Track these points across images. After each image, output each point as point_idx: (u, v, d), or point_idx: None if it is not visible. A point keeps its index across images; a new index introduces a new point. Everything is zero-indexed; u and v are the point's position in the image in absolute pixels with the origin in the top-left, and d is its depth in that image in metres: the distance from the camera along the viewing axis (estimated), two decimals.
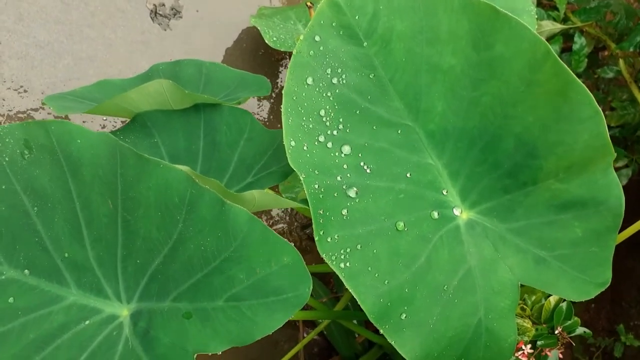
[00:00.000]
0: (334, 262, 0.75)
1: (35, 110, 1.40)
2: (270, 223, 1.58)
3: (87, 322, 0.72)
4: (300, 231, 1.62)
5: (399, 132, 0.81)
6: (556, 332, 0.99)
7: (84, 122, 1.41)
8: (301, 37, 0.76)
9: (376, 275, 0.76)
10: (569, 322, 1.01)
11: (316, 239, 0.74)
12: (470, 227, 0.83)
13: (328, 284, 1.54)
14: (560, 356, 1.03)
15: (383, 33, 0.78)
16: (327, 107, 0.78)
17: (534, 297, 1.06)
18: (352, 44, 0.78)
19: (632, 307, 1.58)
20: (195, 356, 0.68)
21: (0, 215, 0.73)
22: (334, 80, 0.78)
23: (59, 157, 0.73)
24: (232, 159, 0.99)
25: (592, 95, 0.75)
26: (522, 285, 0.84)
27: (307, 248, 1.59)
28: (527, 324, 1.00)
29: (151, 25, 1.63)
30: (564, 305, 1.00)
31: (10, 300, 0.72)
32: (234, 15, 1.76)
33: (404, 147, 0.82)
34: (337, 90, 0.78)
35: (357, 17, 0.78)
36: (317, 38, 0.77)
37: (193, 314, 0.69)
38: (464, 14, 0.78)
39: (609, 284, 0.84)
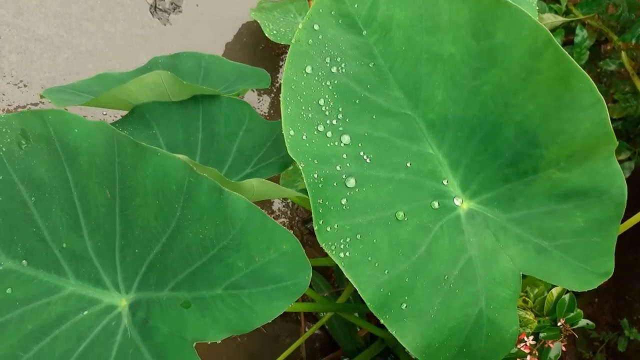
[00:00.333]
0: (334, 252, 0.74)
1: (35, 104, 1.40)
2: (272, 217, 1.58)
3: (85, 312, 0.72)
4: (302, 225, 1.61)
5: (399, 121, 0.81)
6: (559, 324, 0.99)
7: (84, 116, 1.41)
8: (300, 26, 0.76)
9: (376, 264, 0.75)
10: (572, 314, 1.00)
11: (315, 228, 0.74)
12: (470, 217, 0.83)
13: (329, 278, 1.53)
14: (563, 349, 1.02)
15: (382, 21, 0.78)
16: (327, 96, 0.77)
17: (536, 290, 1.06)
18: (352, 33, 0.77)
19: (636, 301, 1.57)
20: (194, 345, 0.67)
21: None
22: (333, 69, 0.77)
23: (56, 147, 0.73)
24: (230, 150, 0.98)
25: (593, 82, 0.75)
26: (524, 276, 0.83)
27: (309, 242, 1.58)
28: (530, 315, 1.00)
29: (151, 19, 1.62)
30: (566, 297, 1.00)
31: (8, 290, 0.72)
32: (234, 9, 1.75)
33: (403, 136, 0.81)
34: (336, 79, 0.77)
35: (356, 6, 0.77)
36: (316, 27, 0.77)
37: (192, 302, 0.69)
38: (465, 2, 0.77)
39: (611, 275, 0.83)
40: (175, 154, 0.71)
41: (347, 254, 0.75)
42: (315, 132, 0.77)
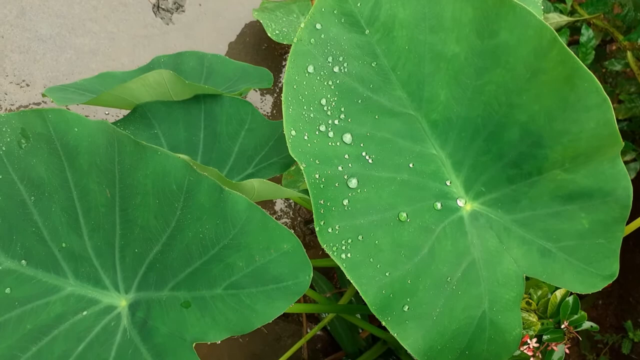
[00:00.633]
0: (335, 253, 0.74)
1: (37, 104, 1.40)
2: (273, 217, 1.57)
3: (84, 312, 0.72)
4: (304, 226, 1.61)
5: (402, 121, 0.80)
6: (562, 326, 0.98)
7: (86, 116, 1.41)
8: (302, 25, 0.75)
9: (378, 266, 0.75)
10: (576, 316, 0.99)
11: (317, 229, 0.73)
12: (474, 218, 0.82)
13: (331, 278, 1.53)
14: (567, 351, 1.01)
15: (385, 20, 0.77)
16: (328, 96, 0.77)
17: (539, 292, 1.05)
18: (354, 32, 0.77)
19: None
20: (193, 345, 0.67)
21: None
22: (335, 69, 0.77)
23: (56, 146, 0.72)
24: (232, 150, 0.98)
25: (599, 82, 0.74)
26: (527, 278, 0.82)
27: (311, 243, 1.58)
28: (533, 318, 0.99)
29: (154, 19, 1.62)
30: (570, 299, 0.99)
31: (7, 290, 0.71)
32: (237, 9, 1.75)
33: (406, 136, 0.80)
34: (338, 79, 0.77)
35: (358, 5, 0.76)
36: (318, 26, 0.76)
37: (192, 302, 0.68)
38: (469, 0, 0.77)
39: (616, 277, 0.82)
40: (176, 153, 0.70)
41: (349, 255, 0.74)
42: (317, 132, 0.76)
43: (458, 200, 0.82)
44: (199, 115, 1.00)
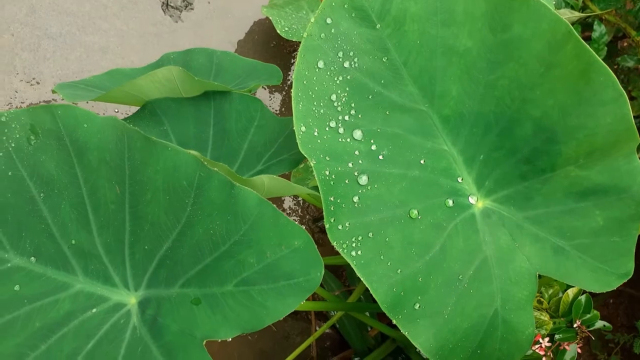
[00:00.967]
0: (345, 251, 0.73)
1: (47, 102, 1.40)
2: None
3: (94, 310, 0.71)
4: (313, 224, 1.60)
5: (413, 117, 0.79)
6: (575, 325, 0.97)
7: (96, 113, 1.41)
8: (312, 20, 0.74)
9: (389, 264, 0.74)
10: (588, 315, 0.98)
11: (327, 226, 0.73)
12: (486, 216, 0.81)
13: (340, 276, 1.52)
14: (579, 351, 1.00)
15: (396, 15, 0.76)
16: (339, 91, 0.76)
17: (551, 290, 1.04)
18: (365, 26, 0.76)
19: None
20: (204, 343, 0.66)
21: (6, 202, 0.72)
22: (346, 64, 0.76)
23: (66, 142, 0.72)
24: (242, 147, 0.97)
25: (615, 77, 0.72)
26: (540, 277, 0.81)
27: (320, 241, 1.57)
28: (545, 317, 0.98)
29: (163, 17, 1.62)
30: (582, 298, 0.98)
31: (16, 288, 0.71)
32: (246, 7, 1.74)
33: (417, 132, 0.79)
34: (348, 74, 0.76)
35: None
36: (328, 20, 0.75)
37: (202, 299, 0.68)
38: None
39: (631, 275, 0.81)
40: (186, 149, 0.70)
41: (359, 252, 0.73)
42: (327, 128, 0.75)
43: (470, 197, 0.81)
44: (209, 112, 0.99)
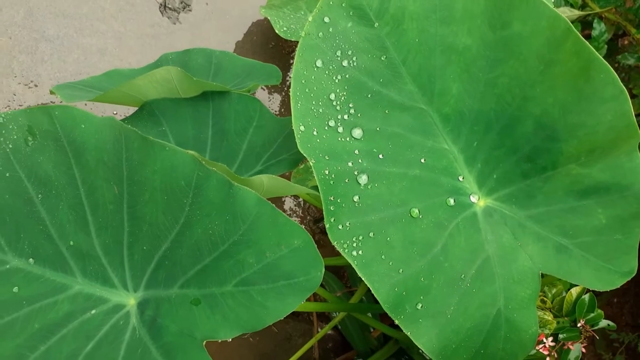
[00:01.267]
0: (346, 250, 0.72)
1: (45, 104, 1.40)
2: None
3: (93, 311, 0.71)
4: (313, 225, 1.59)
5: (413, 116, 0.78)
6: (579, 325, 0.96)
7: None
8: (310, 19, 0.74)
9: (390, 263, 0.73)
10: (592, 314, 0.97)
11: (327, 226, 0.72)
12: (487, 214, 0.80)
13: (342, 277, 1.51)
14: (583, 350, 0.99)
15: (395, 13, 0.76)
16: (337, 90, 0.75)
17: (554, 290, 1.03)
18: (363, 25, 0.75)
19: None
20: (204, 343, 0.65)
21: (4, 203, 0.72)
22: (344, 63, 0.75)
23: (63, 143, 0.72)
24: (241, 147, 0.97)
25: (615, 74, 0.72)
26: (543, 276, 0.80)
27: (321, 242, 1.56)
28: (548, 316, 0.97)
29: (161, 18, 1.62)
30: (586, 297, 0.97)
31: (15, 289, 0.70)
32: (244, 7, 1.74)
33: (417, 131, 0.79)
34: (347, 73, 0.75)
35: None
36: (326, 19, 0.75)
37: (201, 300, 0.67)
38: None
39: (634, 273, 0.80)
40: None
41: (360, 252, 0.73)
42: (326, 128, 0.75)
43: (471, 196, 0.80)
44: (207, 112, 0.99)
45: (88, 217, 0.72)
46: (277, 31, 1.49)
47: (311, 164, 0.73)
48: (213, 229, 0.68)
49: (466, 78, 0.78)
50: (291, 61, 1.77)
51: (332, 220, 0.72)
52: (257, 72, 1.11)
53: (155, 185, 0.69)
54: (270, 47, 1.75)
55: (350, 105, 0.76)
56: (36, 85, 1.40)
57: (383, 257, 0.74)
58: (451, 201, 0.79)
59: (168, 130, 0.98)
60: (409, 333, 0.74)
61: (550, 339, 0.94)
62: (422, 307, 0.74)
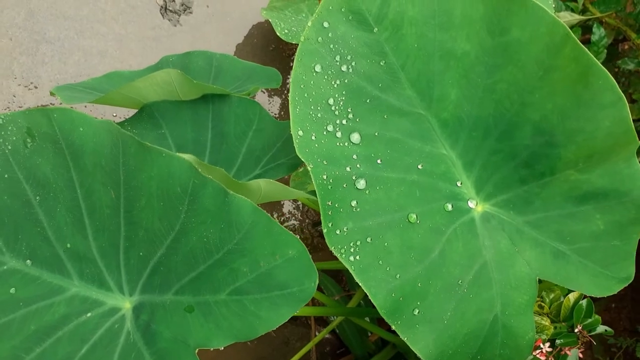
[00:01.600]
0: (343, 256, 0.72)
1: (45, 106, 1.40)
2: (281, 220, 1.56)
3: (89, 314, 0.71)
4: (312, 228, 1.59)
5: (411, 121, 0.78)
6: (576, 330, 0.96)
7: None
8: (309, 24, 0.74)
9: (387, 269, 0.73)
10: (590, 320, 0.97)
11: (324, 231, 0.72)
12: (485, 220, 0.80)
13: (340, 281, 1.51)
14: (581, 355, 0.99)
15: (394, 18, 0.76)
16: (336, 95, 0.75)
17: (552, 295, 1.03)
18: (362, 30, 0.75)
19: None
20: (196, 351, 0.65)
21: (2, 205, 0.72)
22: (343, 68, 0.75)
23: (62, 146, 0.72)
24: (240, 151, 0.97)
25: (614, 80, 0.72)
26: (540, 281, 0.80)
27: (319, 245, 1.56)
28: (546, 321, 0.97)
29: (161, 21, 1.62)
30: (584, 302, 0.97)
31: (12, 291, 0.71)
32: (245, 10, 1.74)
33: (416, 136, 0.79)
34: (346, 78, 0.75)
35: (367, 2, 0.75)
36: (325, 24, 0.75)
37: (195, 307, 0.67)
38: None
39: (632, 280, 0.80)
40: (181, 154, 0.69)
41: (358, 257, 0.73)
42: (325, 132, 0.75)
43: (469, 202, 0.80)
44: (207, 115, 0.99)
45: (85, 220, 0.72)
46: (278, 33, 1.49)
47: (309, 168, 0.73)
48: (208, 236, 0.68)
49: (465, 84, 0.78)
50: (291, 64, 1.77)
51: (329, 225, 0.72)
52: (257, 75, 1.11)
53: (152, 191, 0.69)
54: (271, 50, 1.75)
55: (349, 110, 0.76)
56: (36, 87, 1.40)
57: (380, 262, 0.74)
58: (449, 206, 0.79)
59: (167, 132, 0.98)
60: (405, 338, 0.74)
61: (548, 344, 0.94)
62: (419, 312, 0.74)
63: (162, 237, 0.70)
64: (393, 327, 0.73)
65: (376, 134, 0.77)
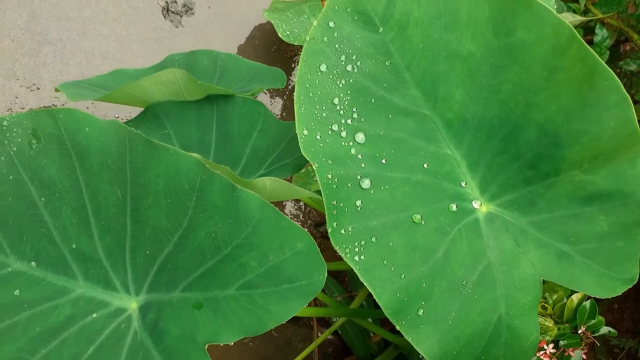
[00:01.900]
0: (348, 255, 0.72)
1: (48, 107, 1.40)
2: None
3: (94, 315, 0.71)
4: (314, 229, 1.59)
5: (416, 121, 0.78)
6: (579, 331, 0.96)
7: None
8: (315, 23, 0.74)
9: (392, 268, 0.73)
10: (593, 321, 0.97)
11: (329, 230, 0.72)
12: (490, 220, 0.80)
13: (342, 282, 1.51)
14: (584, 357, 0.99)
15: (400, 18, 0.76)
16: (341, 95, 0.75)
17: (555, 296, 1.03)
18: (368, 30, 0.76)
19: None
20: (206, 347, 0.65)
21: (7, 206, 0.72)
22: (349, 68, 0.75)
23: (67, 146, 0.72)
24: (244, 151, 0.97)
25: (619, 80, 0.72)
26: (544, 282, 0.80)
27: (321, 246, 1.56)
28: (549, 322, 0.97)
29: (163, 22, 1.62)
30: (587, 303, 0.97)
31: (17, 292, 0.70)
32: (246, 11, 1.74)
33: (420, 136, 0.79)
34: (351, 78, 0.76)
35: (372, 2, 0.75)
36: (331, 24, 0.75)
37: (204, 303, 0.67)
38: None
39: (636, 281, 0.80)
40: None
41: (362, 257, 0.73)
42: (330, 132, 0.75)
43: (473, 202, 0.81)
44: (212, 116, 0.99)
45: (91, 220, 0.72)
46: (280, 35, 1.49)
47: (314, 168, 0.73)
48: (216, 232, 0.68)
49: (470, 84, 0.78)
50: (293, 65, 1.77)
51: (334, 224, 0.72)
52: (262, 75, 1.11)
53: (159, 189, 0.69)
54: (273, 51, 1.75)
55: (354, 110, 0.76)
56: (38, 88, 1.40)
57: (385, 262, 0.74)
58: (453, 207, 0.79)
59: (172, 133, 0.98)
60: (410, 339, 0.74)
61: (551, 345, 0.94)
62: (423, 312, 0.74)
63: (169, 235, 0.70)
64: (398, 327, 0.73)
65: (381, 133, 0.77)
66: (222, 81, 1.10)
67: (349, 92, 0.76)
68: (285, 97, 1.71)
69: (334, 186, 0.73)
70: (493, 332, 0.78)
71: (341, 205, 0.73)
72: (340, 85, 0.75)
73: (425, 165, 0.79)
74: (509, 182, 0.81)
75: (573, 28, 0.72)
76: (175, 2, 1.65)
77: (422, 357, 0.76)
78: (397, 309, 0.73)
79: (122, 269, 0.72)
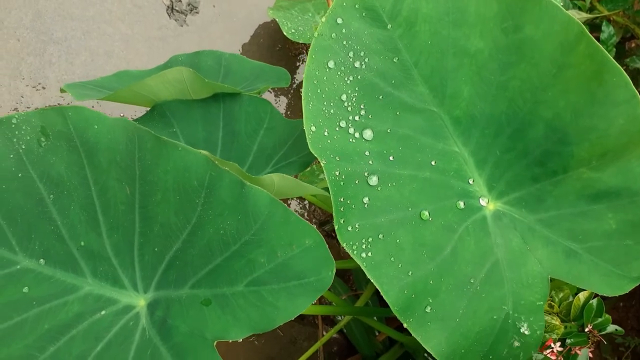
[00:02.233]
0: (355, 252, 0.72)
1: (53, 106, 1.40)
2: None
3: (103, 312, 0.71)
4: (319, 227, 1.59)
5: (424, 118, 0.78)
6: (586, 329, 0.95)
7: None
8: (323, 19, 0.74)
9: (399, 265, 0.73)
10: (600, 319, 0.96)
11: (336, 227, 0.72)
12: (497, 218, 0.80)
13: (347, 281, 1.51)
14: (591, 355, 0.99)
15: (408, 15, 0.76)
16: (349, 91, 0.75)
17: (562, 294, 1.02)
18: (376, 27, 0.75)
19: None
20: (215, 344, 0.65)
21: (16, 204, 0.72)
22: (356, 64, 0.75)
23: (76, 144, 0.72)
24: (251, 149, 0.97)
25: (628, 77, 0.72)
26: (551, 280, 0.80)
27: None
28: (556, 321, 0.96)
29: (168, 21, 1.62)
30: (594, 302, 0.96)
31: (25, 290, 0.70)
32: (251, 10, 1.74)
33: (428, 133, 0.79)
34: (359, 74, 0.75)
35: None
36: (339, 20, 0.75)
37: (212, 300, 0.67)
38: None
39: None
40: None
41: (369, 254, 0.72)
42: (337, 129, 0.75)
43: (481, 199, 0.80)
44: (218, 114, 0.99)
45: (99, 217, 0.72)
46: (284, 33, 1.49)
47: (322, 164, 0.73)
48: (225, 228, 0.68)
49: (478, 81, 0.78)
50: (298, 64, 1.77)
51: (341, 221, 0.72)
52: (266, 75, 1.11)
53: (168, 186, 0.69)
54: (277, 50, 1.75)
55: (362, 107, 0.76)
56: (44, 88, 1.40)
57: (392, 259, 0.73)
58: (461, 204, 0.79)
59: (179, 131, 0.98)
60: (418, 337, 0.73)
61: (558, 344, 0.94)
62: (431, 310, 0.74)
63: (178, 232, 0.70)
64: (405, 325, 0.73)
65: (389, 130, 0.77)
66: (227, 81, 1.11)
67: (356, 89, 0.75)
68: (290, 96, 1.71)
69: (342, 183, 0.73)
70: (500, 330, 0.78)
71: (348, 202, 0.73)
72: (348, 81, 0.75)
73: (433, 163, 0.78)
74: (517, 180, 0.81)
75: (582, 24, 0.72)
76: (180, 0, 1.65)
77: (428, 355, 0.76)
78: (404, 306, 0.73)
79: (130, 266, 0.72)
